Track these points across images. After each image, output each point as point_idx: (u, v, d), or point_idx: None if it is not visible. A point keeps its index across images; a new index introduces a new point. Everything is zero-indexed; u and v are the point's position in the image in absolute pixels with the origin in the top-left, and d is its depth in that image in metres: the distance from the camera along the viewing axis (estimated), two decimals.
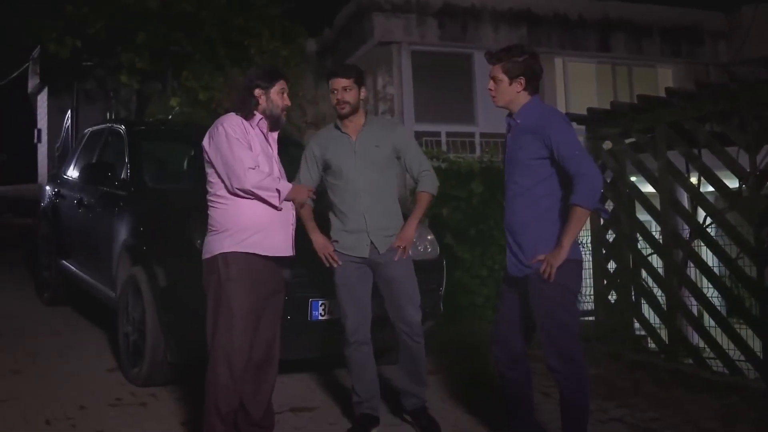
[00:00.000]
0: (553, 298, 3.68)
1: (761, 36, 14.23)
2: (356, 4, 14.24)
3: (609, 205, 6.75)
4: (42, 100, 18.40)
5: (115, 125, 7.04)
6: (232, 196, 3.79)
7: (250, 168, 3.73)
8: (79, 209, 6.74)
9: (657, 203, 6.33)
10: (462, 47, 14.15)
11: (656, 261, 6.51)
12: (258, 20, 11.39)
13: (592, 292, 6.99)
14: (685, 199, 7.04)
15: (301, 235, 4.05)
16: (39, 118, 18.86)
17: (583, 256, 4.21)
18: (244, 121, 3.89)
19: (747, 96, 5.43)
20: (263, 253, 3.81)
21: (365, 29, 13.91)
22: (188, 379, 4.93)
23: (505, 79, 3.80)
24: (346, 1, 14.75)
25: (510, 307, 3.94)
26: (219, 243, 3.80)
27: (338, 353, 4.55)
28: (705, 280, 6.14)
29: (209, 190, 3.89)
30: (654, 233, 6.55)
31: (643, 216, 6.72)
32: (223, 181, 3.80)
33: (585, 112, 6.97)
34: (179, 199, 5.44)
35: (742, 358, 5.71)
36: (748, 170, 5.50)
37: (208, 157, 3.85)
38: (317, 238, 4.36)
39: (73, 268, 6.92)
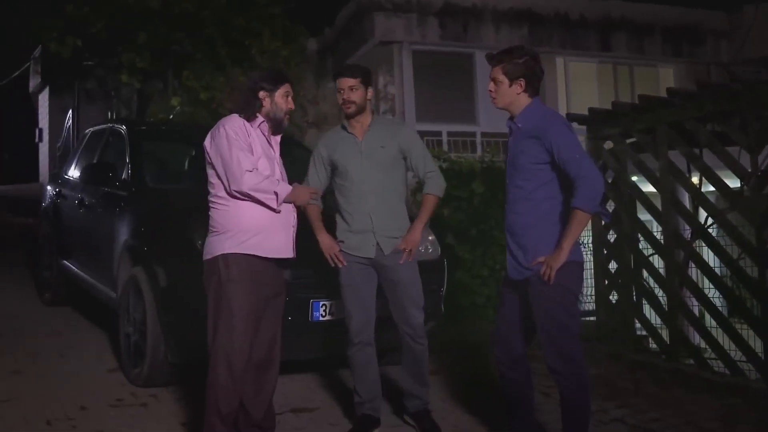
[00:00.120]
0: (553, 299, 3.68)
1: (762, 35, 14.23)
2: (357, 3, 14.22)
3: (610, 206, 6.74)
4: (43, 100, 18.42)
5: (116, 125, 7.04)
6: (233, 198, 3.80)
7: (248, 170, 3.72)
8: (80, 209, 6.74)
9: (658, 203, 6.32)
10: (463, 47, 14.14)
11: (657, 261, 6.50)
12: (259, 20, 11.38)
13: (593, 292, 6.99)
14: (686, 200, 7.03)
15: (302, 237, 4.04)
16: (40, 117, 18.88)
17: (585, 256, 4.21)
18: (246, 122, 3.88)
19: (748, 96, 5.42)
20: (264, 255, 3.82)
21: (366, 29, 13.90)
22: (189, 380, 4.93)
23: (505, 80, 3.80)
24: (347, 0, 14.74)
25: (511, 308, 3.94)
26: (220, 244, 3.80)
27: (339, 354, 4.56)
28: (706, 281, 6.14)
29: (210, 191, 3.89)
30: (655, 233, 6.54)
31: (644, 216, 6.71)
32: (223, 183, 3.80)
33: (586, 112, 6.97)
34: (180, 199, 5.45)
35: (744, 358, 5.70)
36: (750, 170, 5.49)
37: (210, 158, 3.86)
38: (323, 238, 4.36)
39: (74, 268, 6.92)
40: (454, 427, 4.54)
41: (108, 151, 6.83)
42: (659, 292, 6.43)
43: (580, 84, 14.83)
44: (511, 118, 3.87)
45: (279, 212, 3.82)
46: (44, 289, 7.84)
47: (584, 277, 4.07)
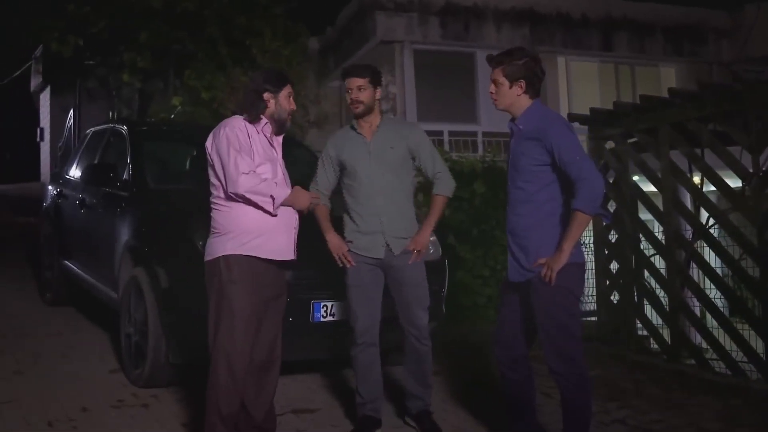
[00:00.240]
0: (554, 300, 3.68)
1: (764, 35, 14.22)
2: (358, 3, 14.22)
3: (611, 206, 6.74)
4: (45, 99, 18.44)
5: (117, 125, 7.03)
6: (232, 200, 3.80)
7: (244, 173, 3.72)
8: (81, 210, 6.74)
9: (659, 203, 6.32)
10: (464, 46, 14.14)
11: (659, 261, 6.50)
12: (260, 19, 11.40)
13: (594, 293, 6.99)
14: (687, 200, 7.03)
15: (302, 238, 4.04)
16: (42, 116, 18.90)
17: (586, 256, 4.20)
18: (248, 124, 3.88)
19: (749, 96, 5.42)
20: (265, 257, 3.81)
21: (367, 28, 13.90)
22: (190, 381, 4.93)
23: (505, 82, 3.79)
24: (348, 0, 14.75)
25: (512, 309, 3.94)
26: (221, 245, 3.80)
27: (340, 354, 4.55)
28: (707, 281, 6.14)
29: (213, 192, 3.89)
30: (656, 233, 6.54)
31: (645, 216, 6.71)
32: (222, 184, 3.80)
33: (588, 112, 6.97)
34: (181, 200, 5.44)
35: (745, 359, 5.71)
36: (751, 171, 5.49)
37: (211, 159, 3.85)
38: (332, 238, 4.35)
39: (75, 268, 6.92)
40: (454, 428, 4.53)
41: (109, 151, 6.83)
42: (660, 293, 6.43)
43: (581, 83, 14.82)
44: (513, 120, 3.87)
45: (276, 216, 3.81)
46: (45, 289, 7.84)
47: (585, 277, 4.07)
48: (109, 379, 5.31)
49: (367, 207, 4.30)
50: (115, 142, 6.74)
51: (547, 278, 3.60)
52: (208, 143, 3.88)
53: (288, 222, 3.89)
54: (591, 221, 4.21)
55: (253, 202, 3.75)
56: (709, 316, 6.14)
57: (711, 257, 6.10)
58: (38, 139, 18.80)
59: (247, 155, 3.77)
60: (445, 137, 13.58)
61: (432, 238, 5.39)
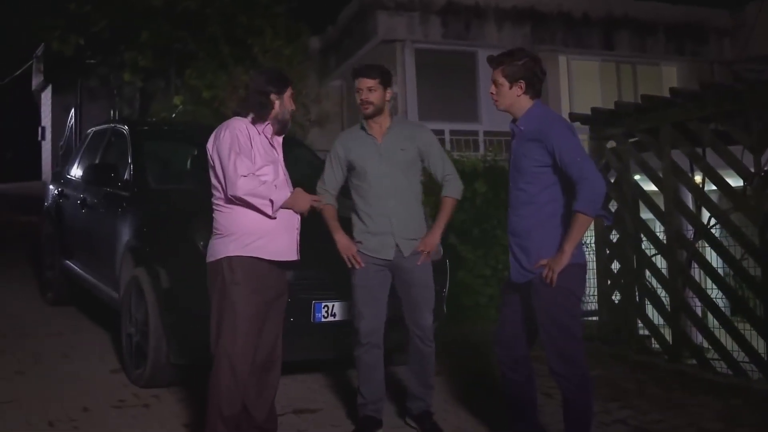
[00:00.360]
0: (555, 301, 3.68)
1: (766, 34, 14.21)
2: (360, 2, 14.22)
3: (613, 205, 6.73)
4: (46, 98, 18.45)
5: (118, 125, 7.02)
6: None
7: (243, 175, 3.71)
8: (82, 209, 6.74)
9: (661, 203, 6.31)
10: (465, 45, 14.14)
11: (660, 261, 6.50)
12: (262, 18, 11.39)
13: (595, 293, 6.99)
14: (689, 199, 7.03)
15: (304, 238, 4.03)
16: (43, 115, 18.91)
17: (587, 256, 4.20)
18: (249, 126, 3.86)
19: (751, 96, 5.42)
20: (268, 258, 3.80)
21: (369, 27, 13.90)
22: (191, 381, 4.93)
23: (505, 83, 3.79)
24: None
25: (513, 309, 3.93)
26: (224, 247, 3.79)
27: (341, 355, 4.54)
28: (709, 281, 6.13)
29: (214, 193, 3.88)
30: (658, 233, 6.53)
31: (646, 216, 6.70)
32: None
33: (589, 111, 6.96)
34: (182, 200, 5.44)
35: (746, 359, 5.70)
36: (753, 170, 5.48)
37: (212, 161, 3.84)
38: (341, 239, 4.33)
39: (76, 268, 6.92)
40: (455, 428, 4.53)
41: (110, 151, 6.83)
42: (662, 293, 6.43)
43: (582, 82, 14.82)
44: (514, 121, 3.86)
45: (275, 218, 3.80)
46: (47, 289, 7.84)
47: (587, 277, 4.06)
48: (110, 379, 5.31)
49: (377, 208, 4.29)
50: (117, 141, 6.74)
51: (548, 279, 3.59)
52: (209, 145, 3.87)
53: (290, 223, 3.88)
54: (592, 222, 4.20)
55: (252, 205, 3.75)
56: (710, 316, 6.14)
57: (712, 257, 6.10)
58: (39, 138, 18.82)
59: (247, 157, 3.75)
60: (447, 136, 13.57)
61: None
